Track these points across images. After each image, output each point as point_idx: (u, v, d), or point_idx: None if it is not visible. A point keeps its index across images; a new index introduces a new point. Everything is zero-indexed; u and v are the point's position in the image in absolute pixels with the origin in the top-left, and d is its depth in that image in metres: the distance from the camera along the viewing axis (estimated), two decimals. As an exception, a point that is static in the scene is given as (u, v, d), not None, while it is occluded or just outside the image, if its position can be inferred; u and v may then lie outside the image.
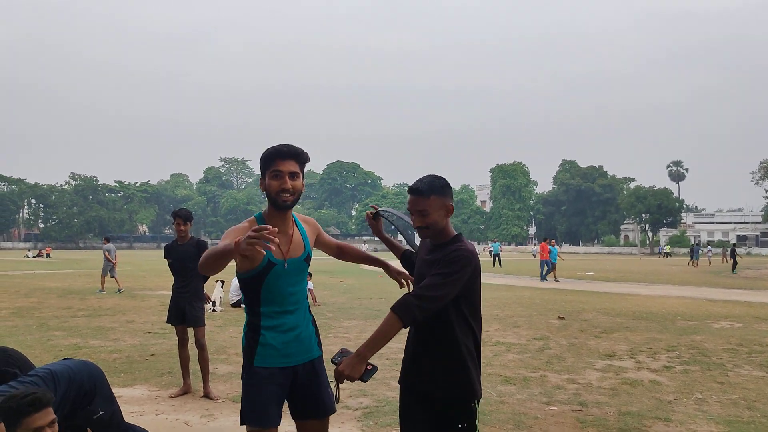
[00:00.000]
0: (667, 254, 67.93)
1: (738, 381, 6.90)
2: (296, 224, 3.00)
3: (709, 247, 58.01)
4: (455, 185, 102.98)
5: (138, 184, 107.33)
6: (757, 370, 7.51)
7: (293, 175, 2.83)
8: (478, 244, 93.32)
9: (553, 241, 27.17)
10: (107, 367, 7.47)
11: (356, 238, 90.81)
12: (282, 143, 2.89)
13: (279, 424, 2.83)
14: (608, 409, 5.75)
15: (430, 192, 2.66)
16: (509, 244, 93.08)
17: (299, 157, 2.88)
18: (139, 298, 16.12)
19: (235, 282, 14.81)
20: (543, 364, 7.82)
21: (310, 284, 15.22)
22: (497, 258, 39.48)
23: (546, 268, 25.29)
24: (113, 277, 18.73)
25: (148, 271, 29.68)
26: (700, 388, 6.56)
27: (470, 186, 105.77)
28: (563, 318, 12.45)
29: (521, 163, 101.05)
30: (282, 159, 2.83)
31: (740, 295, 18.84)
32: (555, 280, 24.81)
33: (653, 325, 11.49)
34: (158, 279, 23.00)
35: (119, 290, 17.95)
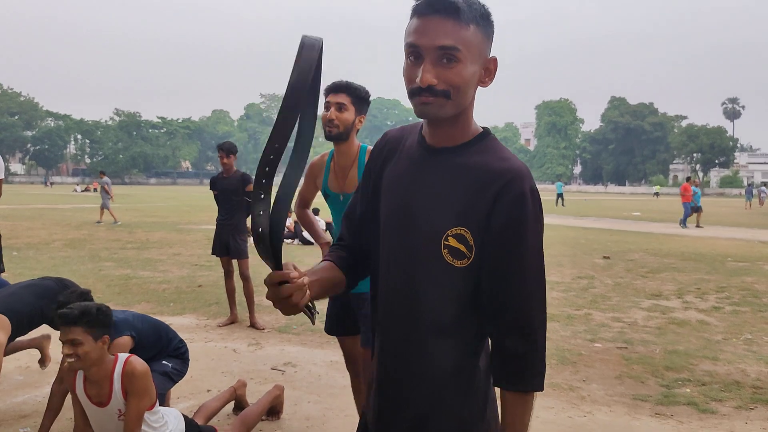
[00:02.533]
0: (656, 194, 65.40)
1: (790, 322, 6.72)
2: (359, 159, 3.02)
3: (763, 187, 56.02)
4: (499, 123, 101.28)
5: (180, 120, 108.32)
6: (811, 312, 7.29)
7: (340, 107, 2.93)
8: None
9: (696, 181, 24.94)
10: (157, 297, 7.71)
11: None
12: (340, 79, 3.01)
13: (338, 334, 3.24)
14: (654, 347, 5.68)
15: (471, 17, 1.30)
16: (552, 184, 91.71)
17: (349, 89, 2.96)
18: (184, 232, 16.48)
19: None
20: (587, 303, 7.75)
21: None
22: (560, 197, 38.85)
23: (688, 211, 21.96)
24: (108, 209, 19.36)
25: (192, 206, 30.28)
26: (750, 329, 6.42)
27: (514, 124, 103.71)
28: (608, 258, 12.28)
29: (568, 99, 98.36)
30: (332, 92, 2.96)
31: (794, 237, 18.24)
32: (697, 226, 21.19)
33: (702, 266, 11.23)
34: (202, 213, 23.42)
35: (115, 222, 18.70)
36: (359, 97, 2.98)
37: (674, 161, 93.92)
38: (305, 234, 14.10)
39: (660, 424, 3.87)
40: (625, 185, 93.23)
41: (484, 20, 1.33)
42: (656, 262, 11.81)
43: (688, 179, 24.14)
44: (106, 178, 20.74)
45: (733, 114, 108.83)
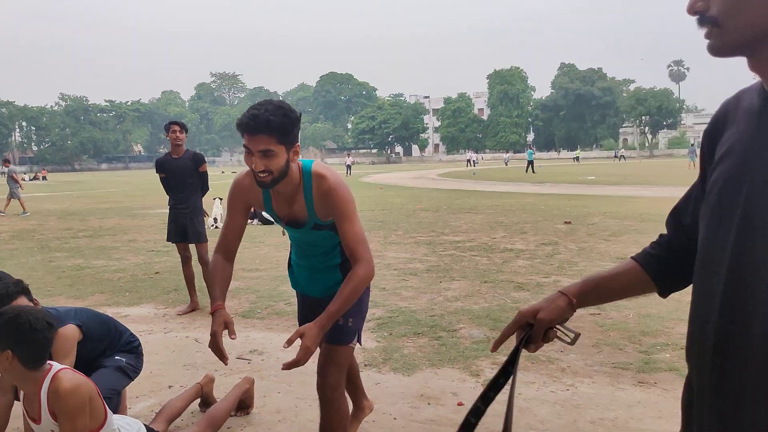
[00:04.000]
0: (576, 158, 65.41)
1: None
2: (305, 192, 2.52)
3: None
4: (452, 93, 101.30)
5: (129, 103, 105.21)
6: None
7: (266, 153, 2.27)
8: (476, 152, 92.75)
9: None
10: (112, 286, 7.33)
11: (353, 151, 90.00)
12: (256, 106, 2.29)
13: None
14: (627, 312, 5.62)
15: None
16: (507, 152, 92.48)
17: (270, 127, 2.24)
18: (139, 218, 15.92)
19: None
20: (555, 270, 7.68)
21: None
22: (530, 165, 39.45)
23: None
24: (19, 198, 18.34)
25: (147, 190, 29.40)
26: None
27: (467, 94, 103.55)
28: (570, 222, 12.30)
29: (519, 67, 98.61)
30: (249, 134, 2.28)
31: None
32: None
33: (662, 226, 11.22)
34: (157, 198, 22.68)
35: (24, 213, 17.69)
36: (286, 132, 2.30)
37: (624, 125, 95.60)
38: (265, 214, 13.75)
39: (645, 394, 3.76)
40: (576, 150, 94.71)
41: None
42: (617, 224, 11.87)
43: None
44: (12, 166, 19.95)
45: (678, 76, 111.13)
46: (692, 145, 51.19)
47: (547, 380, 4.04)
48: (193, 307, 6.16)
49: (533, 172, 37.74)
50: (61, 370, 2.46)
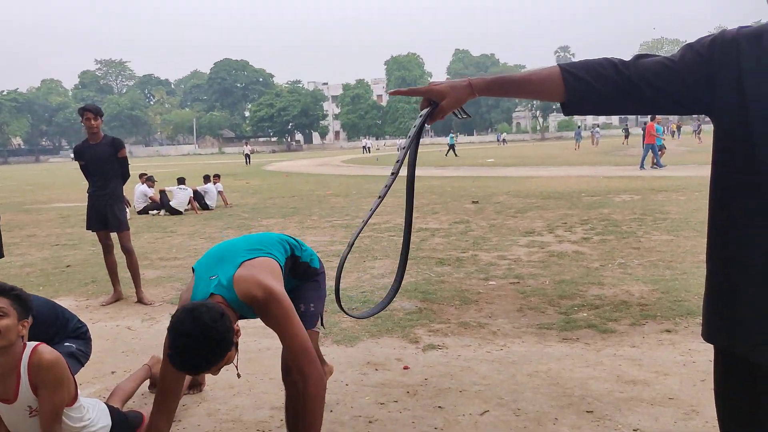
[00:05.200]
0: (451, 148, 67.31)
1: (651, 245, 7.40)
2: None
3: (597, 128, 61.01)
4: (349, 80, 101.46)
5: (5, 93, 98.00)
6: (665, 234, 8.08)
7: None
8: (377, 139, 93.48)
9: (658, 119, 21.43)
10: (22, 281, 6.99)
11: (252, 140, 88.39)
12: (179, 346, 2.15)
13: None
14: (543, 279, 6.03)
15: None
16: (402, 139, 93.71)
17: (204, 369, 2.21)
18: (34, 212, 15.05)
19: (139, 188, 14.11)
20: (470, 245, 8.04)
21: (219, 186, 14.75)
22: (452, 148, 40.97)
23: (647, 152, 20.25)
24: None
25: (35, 185, 27.71)
26: (620, 254, 7.00)
27: (365, 80, 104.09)
28: (477, 202, 12.82)
29: (415, 54, 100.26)
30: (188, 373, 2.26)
31: (631, 171, 20.09)
32: (658, 166, 20.06)
33: (562, 202, 12.05)
34: (48, 192, 21.48)
35: None
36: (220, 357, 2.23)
37: (516, 109, 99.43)
38: (172, 203, 13.41)
39: (570, 348, 4.12)
40: (473, 135, 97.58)
41: None
42: (521, 202, 12.50)
43: (652, 119, 20.48)
44: None
45: (565, 61, 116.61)
46: (578, 128, 54.04)
47: (482, 342, 4.32)
48: (117, 297, 6.01)
49: (455, 155, 39.07)
50: (39, 344, 2.48)
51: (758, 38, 1.31)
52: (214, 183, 14.65)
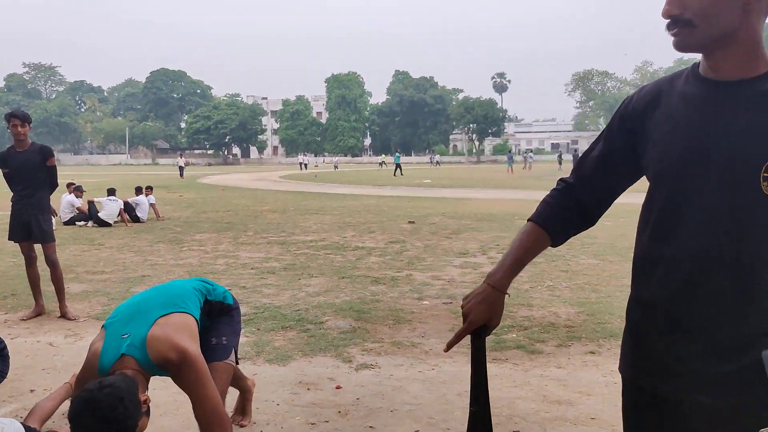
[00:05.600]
0: (382, 164, 65.38)
1: (579, 269, 7.66)
2: None
3: (530, 153, 62.78)
4: (290, 95, 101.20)
5: None
6: (591, 258, 8.38)
7: None
8: (315, 156, 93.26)
9: None
10: (-66, 294, 6.61)
11: (187, 152, 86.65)
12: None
13: None
14: (476, 300, 6.14)
15: None
16: (345, 156, 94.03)
17: None
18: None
19: (66, 198, 13.61)
20: (405, 265, 8.13)
21: (152, 198, 14.38)
22: (398, 168, 41.91)
23: None
24: None
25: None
26: (549, 277, 7.22)
27: (306, 96, 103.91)
28: (413, 222, 12.96)
29: (356, 73, 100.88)
30: None
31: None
32: None
33: (495, 225, 12.33)
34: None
35: None
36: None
37: (454, 131, 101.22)
38: (100, 215, 12.98)
39: (499, 368, 4.21)
40: (411, 155, 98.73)
41: None
42: (456, 224, 12.72)
43: None
44: None
45: (501, 87, 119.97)
46: (510, 152, 55.52)
47: (414, 362, 4.37)
48: (39, 311, 5.76)
49: (401, 174, 39.80)
50: None
51: (671, 81, 1.44)
52: (146, 195, 14.27)
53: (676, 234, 1.36)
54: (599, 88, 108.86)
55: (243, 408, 3.36)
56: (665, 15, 1.31)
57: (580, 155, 1.65)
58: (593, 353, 4.50)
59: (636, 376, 1.48)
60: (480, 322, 1.57)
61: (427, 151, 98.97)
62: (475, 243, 9.97)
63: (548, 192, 1.67)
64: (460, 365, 4.30)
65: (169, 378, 2.44)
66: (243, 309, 5.74)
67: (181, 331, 2.43)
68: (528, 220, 1.63)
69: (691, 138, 1.34)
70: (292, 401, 3.66)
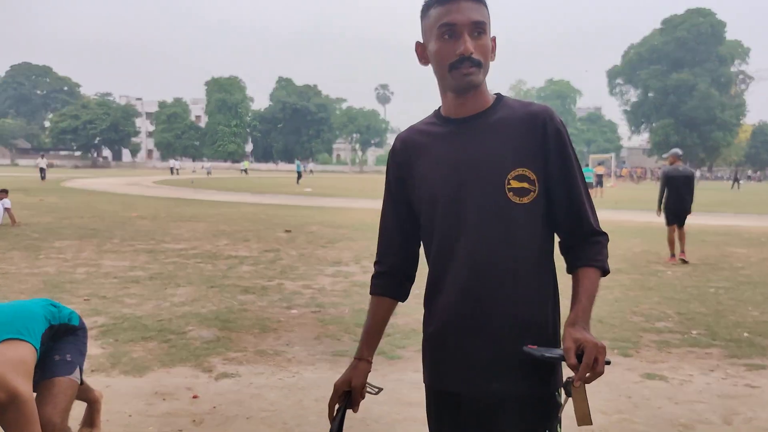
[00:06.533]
0: (244, 170, 65.90)
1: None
2: None
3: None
4: (167, 97, 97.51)
5: None
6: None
7: None
8: (193, 161, 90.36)
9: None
10: None
11: (51, 152, 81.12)
12: None
13: None
14: (343, 308, 6.28)
15: None
16: (225, 161, 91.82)
17: None
18: None
19: None
20: (278, 274, 8.13)
21: (7, 202, 13.39)
22: (300, 175, 42.27)
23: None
24: None
25: None
26: (417, 285, 7.47)
27: (183, 99, 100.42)
28: (290, 231, 12.95)
29: (237, 77, 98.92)
30: None
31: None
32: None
33: (370, 234, 12.57)
34: None
35: None
36: None
37: (337, 141, 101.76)
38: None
39: (359, 373, 4.34)
40: (294, 163, 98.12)
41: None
42: (332, 233, 12.85)
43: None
44: None
45: (384, 99, 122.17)
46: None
47: (275, 370, 4.41)
48: None
49: (297, 183, 39.72)
50: None
51: (421, 126, 1.72)
52: (1, 199, 13.27)
53: (456, 249, 1.58)
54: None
55: (91, 420, 3.26)
56: (465, 52, 1.51)
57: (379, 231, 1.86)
58: (449, 357, 4.74)
59: (430, 381, 1.72)
60: (341, 386, 1.73)
61: (311, 160, 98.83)
62: (349, 252, 10.13)
63: (372, 280, 1.90)
64: (322, 371, 4.40)
65: None
66: (101, 320, 5.56)
67: (16, 368, 2.35)
68: (371, 294, 1.88)
69: (449, 167, 1.59)
70: (146, 412, 3.59)
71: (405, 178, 1.70)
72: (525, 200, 1.54)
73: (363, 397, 1.76)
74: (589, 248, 1.59)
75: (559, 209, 1.59)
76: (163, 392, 3.90)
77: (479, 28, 1.53)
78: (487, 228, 1.55)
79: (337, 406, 1.73)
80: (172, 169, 57.85)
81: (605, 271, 1.60)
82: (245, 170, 65.40)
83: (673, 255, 9.88)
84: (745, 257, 10.47)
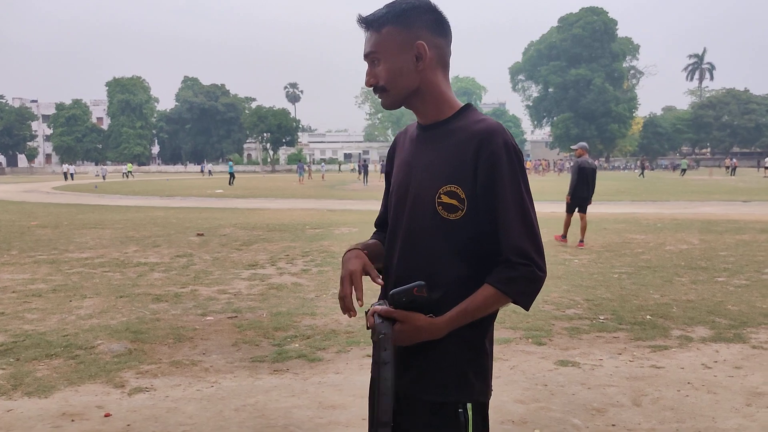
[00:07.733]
0: (127, 173, 63.45)
1: (362, 276, 8.01)
2: None
3: (323, 164, 64.21)
4: (65, 99, 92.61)
5: None
6: (374, 265, 8.80)
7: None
8: (96, 164, 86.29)
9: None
10: None
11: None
12: None
13: None
14: (261, 312, 6.17)
15: (384, 21, 1.61)
16: (100, 165, 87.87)
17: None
18: None
19: None
20: (191, 280, 7.89)
21: None
22: (232, 177, 40.79)
23: None
24: None
25: None
26: (334, 285, 7.46)
27: (83, 100, 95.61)
28: (202, 234, 12.60)
29: (140, 77, 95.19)
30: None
31: (352, 204, 21.56)
32: None
33: (286, 235, 12.44)
34: None
35: None
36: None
37: (248, 140, 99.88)
38: None
39: (279, 379, 4.28)
40: (203, 164, 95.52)
41: (399, 18, 1.59)
42: (247, 235, 12.60)
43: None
44: None
45: (294, 97, 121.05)
46: (300, 162, 56.43)
47: (192, 381, 4.27)
48: None
49: (231, 184, 38.53)
50: None
51: (408, 127, 1.81)
52: None
53: (393, 253, 1.67)
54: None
55: None
56: (367, 85, 1.65)
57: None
58: (369, 356, 4.75)
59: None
60: (347, 276, 1.61)
61: (221, 160, 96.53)
62: (265, 254, 9.97)
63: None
64: (241, 379, 4.30)
65: None
66: (0, 338, 5.20)
67: None
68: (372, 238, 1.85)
69: (403, 171, 1.70)
70: (53, 436, 3.39)
71: (389, 171, 1.83)
72: (452, 217, 1.56)
73: (378, 276, 1.65)
74: (503, 270, 1.54)
75: (487, 231, 1.56)
76: (72, 413, 3.69)
77: (374, 57, 1.62)
78: (415, 237, 1.61)
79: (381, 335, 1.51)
80: (65, 174, 54.94)
81: (510, 298, 1.54)
82: (129, 173, 63.03)
83: (564, 236, 11.09)
84: (644, 243, 11.09)
